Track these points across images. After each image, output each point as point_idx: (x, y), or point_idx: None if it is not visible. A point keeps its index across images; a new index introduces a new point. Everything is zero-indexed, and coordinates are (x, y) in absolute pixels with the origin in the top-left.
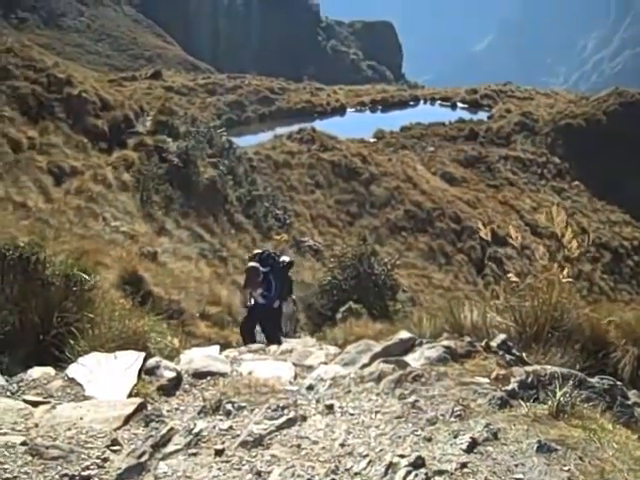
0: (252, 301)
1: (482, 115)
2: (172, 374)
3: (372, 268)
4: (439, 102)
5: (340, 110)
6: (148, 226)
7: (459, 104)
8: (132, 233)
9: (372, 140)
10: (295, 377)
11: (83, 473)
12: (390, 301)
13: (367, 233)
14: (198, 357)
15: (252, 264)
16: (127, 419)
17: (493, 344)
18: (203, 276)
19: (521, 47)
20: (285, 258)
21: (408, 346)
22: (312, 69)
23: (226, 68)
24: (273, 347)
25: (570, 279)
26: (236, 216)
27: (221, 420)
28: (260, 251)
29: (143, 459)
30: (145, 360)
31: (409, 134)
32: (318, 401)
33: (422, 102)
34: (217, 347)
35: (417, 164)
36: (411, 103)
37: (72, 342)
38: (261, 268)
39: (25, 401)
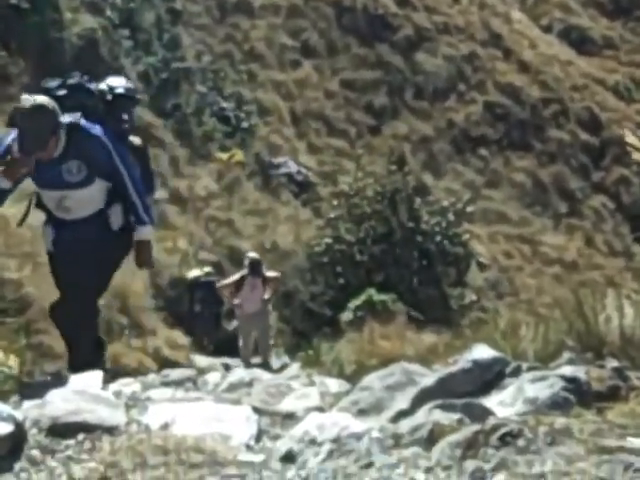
0: None
1: None
2: (6, 428)
3: (417, 221)
4: None
5: None
6: None
7: None
8: None
9: None
10: (259, 436)
11: None
12: (453, 288)
13: (407, 150)
14: (60, 395)
15: None
16: None
17: None
18: None
19: None
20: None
21: (490, 376)
22: None
23: None
24: (212, 376)
25: None
26: (138, 111)
27: None
28: None
29: None
30: None
31: None
32: None
33: None
34: (99, 375)
35: (513, 9)
36: None
37: None
38: None
39: None
